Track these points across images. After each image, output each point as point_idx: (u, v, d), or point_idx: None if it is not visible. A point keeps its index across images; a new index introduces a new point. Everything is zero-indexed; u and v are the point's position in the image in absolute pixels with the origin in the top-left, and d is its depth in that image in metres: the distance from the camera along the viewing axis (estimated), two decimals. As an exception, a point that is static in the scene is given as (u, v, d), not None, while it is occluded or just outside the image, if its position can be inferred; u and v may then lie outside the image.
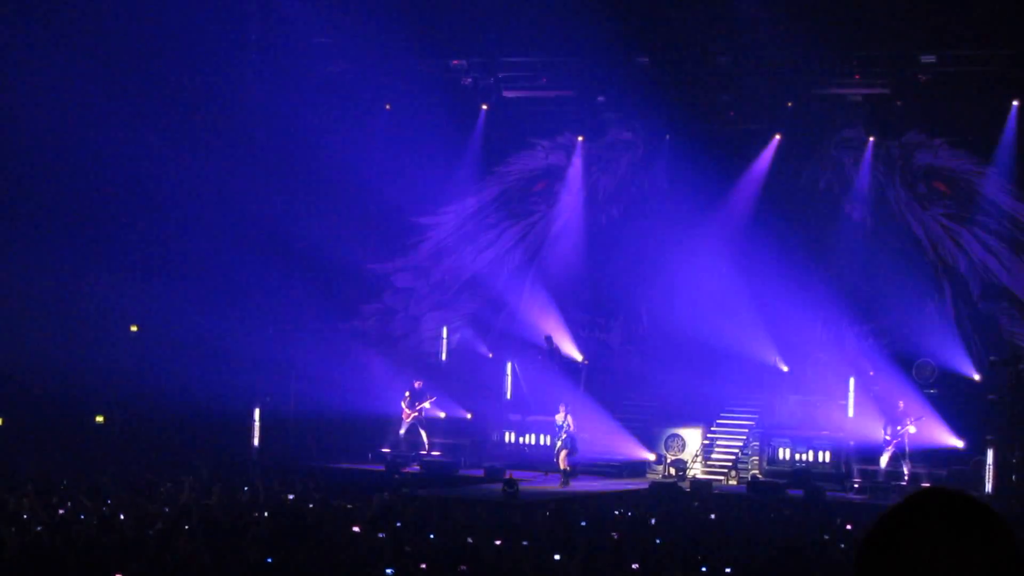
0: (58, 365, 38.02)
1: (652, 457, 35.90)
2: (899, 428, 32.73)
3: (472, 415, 38.22)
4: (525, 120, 40.77)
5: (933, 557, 3.17)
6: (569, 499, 30.11)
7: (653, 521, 24.39)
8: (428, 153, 39.74)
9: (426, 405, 36.90)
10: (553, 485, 33.18)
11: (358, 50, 39.25)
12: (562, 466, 33.95)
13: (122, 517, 21.81)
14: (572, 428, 34.10)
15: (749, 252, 37.85)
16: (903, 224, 37.79)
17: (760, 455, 35.25)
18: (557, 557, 18.86)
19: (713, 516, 26.16)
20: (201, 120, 38.27)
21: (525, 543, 20.34)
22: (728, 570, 18.15)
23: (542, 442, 36.56)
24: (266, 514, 23.34)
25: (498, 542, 20.39)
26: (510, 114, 40.37)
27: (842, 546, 21.12)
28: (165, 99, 37.82)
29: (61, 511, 22.13)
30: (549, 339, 30.27)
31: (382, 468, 35.03)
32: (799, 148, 38.17)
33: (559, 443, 34.13)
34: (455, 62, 39.61)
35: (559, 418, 34.21)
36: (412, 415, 36.90)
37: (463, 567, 17.65)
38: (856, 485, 32.87)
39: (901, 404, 33.22)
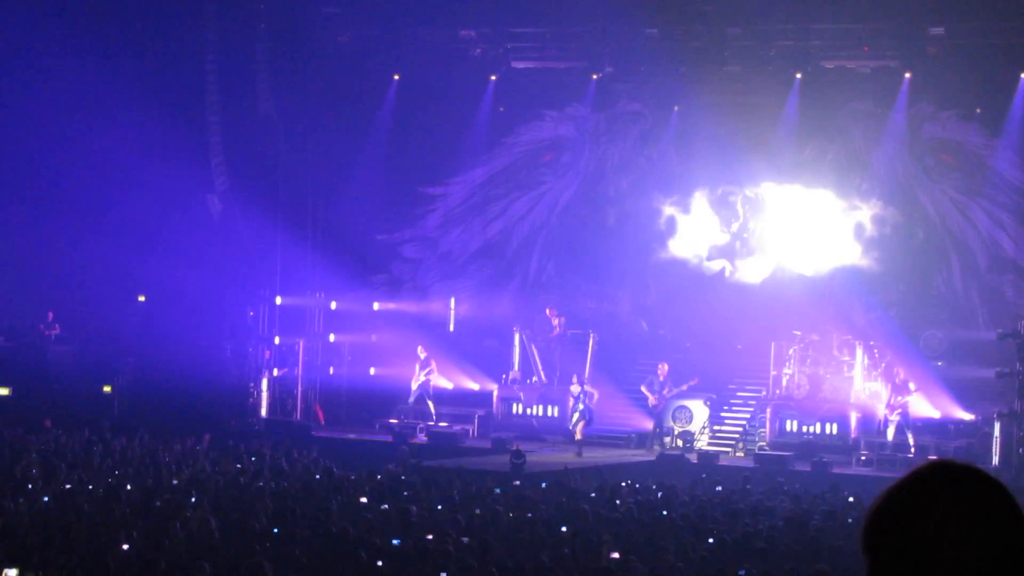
0: (65, 334, 38.07)
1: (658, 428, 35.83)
2: (894, 399, 32.77)
3: (479, 386, 38.22)
4: (534, 91, 40.65)
5: (940, 529, 3.18)
6: (576, 470, 30.12)
7: (660, 493, 24.43)
8: (437, 124, 39.66)
9: (420, 377, 36.82)
10: (568, 454, 33.17)
11: (367, 20, 39.16)
12: (578, 436, 33.98)
13: (128, 488, 21.89)
14: (589, 400, 34.26)
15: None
16: (911, 197, 37.72)
17: (767, 427, 35.19)
18: (564, 528, 18.90)
19: (719, 488, 26.19)
20: (209, 89, 38.15)
21: (530, 514, 20.38)
22: (734, 541, 18.18)
23: (550, 413, 36.56)
24: (273, 484, 23.41)
25: (507, 512, 20.45)
26: (519, 85, 40.25)
27: (849, 520, 21.12)
28: (171, 70, 37.69)
29: (68, 484, 22.18)
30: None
31: (389, 439, 35.07)
32: (808, 120, 38.01)
33: (576, 414, 34.14)
34: (464, 32, 39.50)
35: (575, 389, 34.26)
36: (418, 383, 36.90)
37: (469, 538, 17.69)
38: (863, 457, 32.83)
39: (900, 374, 33.26)
